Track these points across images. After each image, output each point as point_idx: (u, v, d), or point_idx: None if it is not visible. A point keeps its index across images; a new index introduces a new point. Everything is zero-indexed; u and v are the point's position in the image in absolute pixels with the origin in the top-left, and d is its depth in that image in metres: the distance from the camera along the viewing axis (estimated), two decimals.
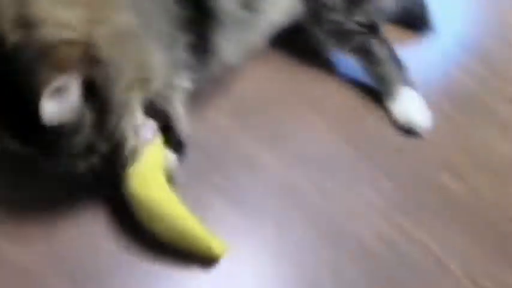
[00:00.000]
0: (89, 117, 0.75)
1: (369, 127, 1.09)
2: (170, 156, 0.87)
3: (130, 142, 0.81)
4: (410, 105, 1.11)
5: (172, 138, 0.88)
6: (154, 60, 0.83)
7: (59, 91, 0.69)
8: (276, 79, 1.12)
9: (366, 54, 1.13)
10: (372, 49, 1.13)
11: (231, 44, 0.99)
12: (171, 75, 0.90)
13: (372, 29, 1.14)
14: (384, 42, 1.14)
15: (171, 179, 0.85)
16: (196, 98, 0.97)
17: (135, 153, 0.82)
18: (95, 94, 0.74)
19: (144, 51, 0.82)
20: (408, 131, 1.09)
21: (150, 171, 0.82)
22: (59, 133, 0.73)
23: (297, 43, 1.15)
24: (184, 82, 0.93)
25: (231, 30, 0.98)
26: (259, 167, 0.97)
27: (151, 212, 0.81)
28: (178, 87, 0.92)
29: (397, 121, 1.10)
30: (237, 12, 0.98)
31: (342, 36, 1.12)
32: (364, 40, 1.13)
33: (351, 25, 1.11)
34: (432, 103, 1.12)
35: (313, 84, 1.12)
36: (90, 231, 0.82)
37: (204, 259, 0.81)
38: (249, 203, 0.91)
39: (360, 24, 1.12)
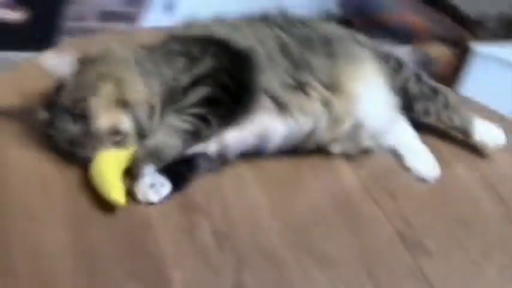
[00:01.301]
0: (70, 82, 1.11)
1: None
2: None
3: (97, 123, 1.09)
4: (489, 129, 1.37)
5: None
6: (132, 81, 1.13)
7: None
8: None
9: (446, 107, 1.38)
10: (450, 100, 1.39)
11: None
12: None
13: (435, 88, 1.40)
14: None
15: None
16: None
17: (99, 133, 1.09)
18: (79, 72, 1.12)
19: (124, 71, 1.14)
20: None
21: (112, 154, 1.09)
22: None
23: None
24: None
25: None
26: None
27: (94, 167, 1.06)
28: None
29: (487, 146, 1.37)
30: None
31: (427, 99, 1.38)
32: (441, 95, 1.39)
33: (426, 91, 1.38)
34: None
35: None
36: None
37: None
38: None
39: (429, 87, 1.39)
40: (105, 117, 1.09)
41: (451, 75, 2.59)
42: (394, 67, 1.38)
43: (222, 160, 1.17)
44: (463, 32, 2.78)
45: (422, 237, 1.17)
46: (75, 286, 0.90)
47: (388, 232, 1.16)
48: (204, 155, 1.14)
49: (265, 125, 1.19)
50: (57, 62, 1.11)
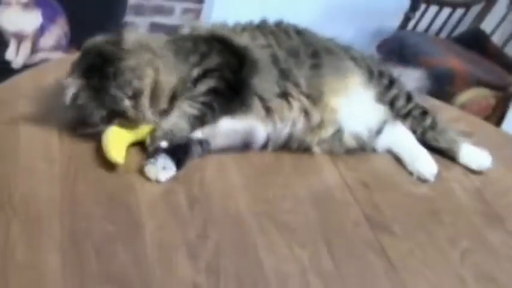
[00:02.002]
0: (131, 61, 1.28)
1: None
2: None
3: (144, 100, 1.28)
4: (475, 153, 1.49)
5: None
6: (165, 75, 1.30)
7: None
8: None
9: (433, 128, 1.51)
10: (438, 122, 1.52)
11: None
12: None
13: (425, 111, 1.53)
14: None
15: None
16: None
17: (142, 110, 1.28)
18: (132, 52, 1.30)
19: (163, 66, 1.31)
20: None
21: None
22: None
23: None
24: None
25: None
26: None
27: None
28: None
29: (470, 167, 1.48)
30: None
31: (414, 119, 1.51)
32: (429, 117, 1.52)
33: (415, 112, 1.52)
34: None
35: None
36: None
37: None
38: None
39: (418, 109, 1.53)
40: (147, 97, 1.28)
41: (491, 116, 2.67)
42: (385, 84, 1.52)
43: (208, 147, 1.34)
44: (506, 75, 2.87)
45: (390, 221, 1.28)
46: (60, 223, 1.08)
47: (356, 214, 1.28)
48: (196, 141, 1.31)
49: (252, 124, 1.36)
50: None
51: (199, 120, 1.31)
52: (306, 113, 1.40)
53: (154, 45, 1.35)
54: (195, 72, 1.33)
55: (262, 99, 1.36)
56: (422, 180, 1.42)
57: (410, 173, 1.44)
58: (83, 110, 1.26)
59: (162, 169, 1.22)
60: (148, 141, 1.28)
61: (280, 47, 1.44)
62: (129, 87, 1.25)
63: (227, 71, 1.35)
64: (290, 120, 1.39)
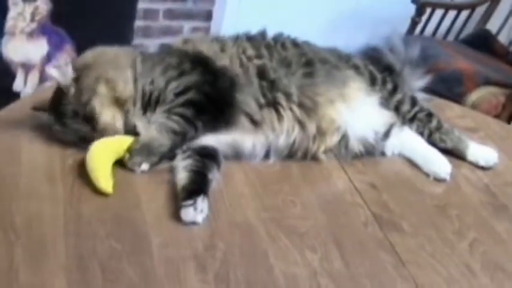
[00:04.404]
0: (73, 89, 1.32)
1: None
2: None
3: (101, 120, 1.32)
4: (482, 150, 1.51)
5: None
6: (122, 83, 1.35)
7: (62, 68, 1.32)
8: None
9: (439, 129, 1.53)
10: (443, 123, 1.54)
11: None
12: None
13: (430, 113, 1.55)
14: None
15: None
16: None
17: (105, 128, 1.32)
18: (77, 79, 1.33)
19: (118, 75, 1.35)
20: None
21: (106, 143, 1.30)
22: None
23: None
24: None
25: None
26: None
27: (88, 156, 1.26)
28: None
29: (478, 164, 1.50)
30: None
31: (420, 121, 1.53)
32: (434, 119, 1.54)
33: (420, 114, 1.54)
34: None
35: None
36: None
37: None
38: None
39: (423, 112, 1.55)
40: (106, 113, 1.31)
41: (502, 113, 2.66)
42: (389, 89, 1.52)
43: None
44: None
45: (398, 219, 1.29)
46: (65, 243, 1.09)
47: (365, 215, 1.29)
48: (211, 170, 1.30)
49: (237, 138, 1.37)
50: (59, 72, 1.31)
51: (180, 136, 1.31)
52: (301, 123, 1.40)
53: (108, 55, 1.41)
54: (172, 86, 1.35)
55: (246, 114, 1.37)
56: (439, 180, 1.43)
57: (427, 175, 1.45)
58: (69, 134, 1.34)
59: (200, 212, 1.19)
60: (127, 156, 1.28)
61: (272, 58, 1.44)
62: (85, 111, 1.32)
63: (206, 86, 1.36)
64: (283, 131, 1.39)
